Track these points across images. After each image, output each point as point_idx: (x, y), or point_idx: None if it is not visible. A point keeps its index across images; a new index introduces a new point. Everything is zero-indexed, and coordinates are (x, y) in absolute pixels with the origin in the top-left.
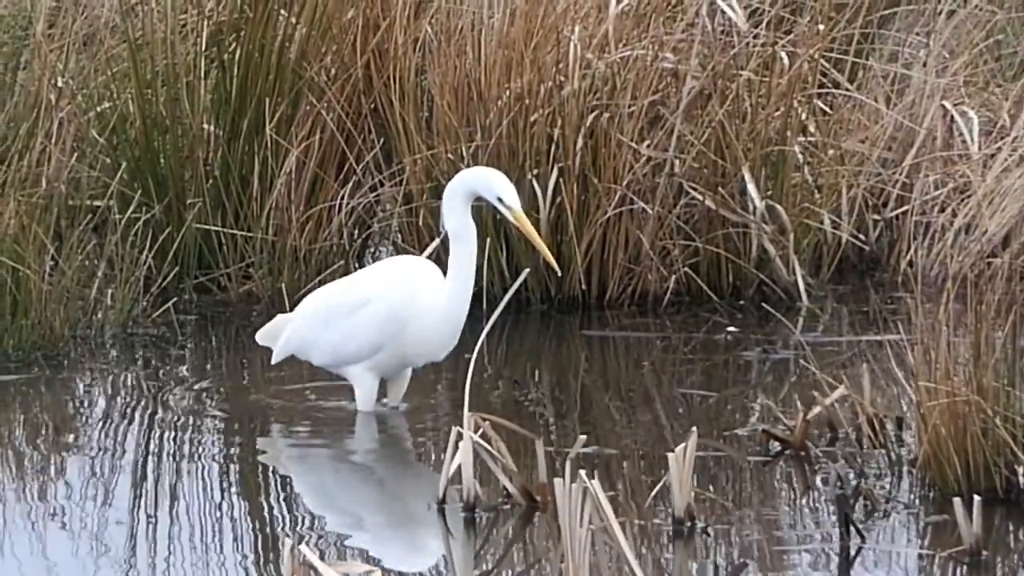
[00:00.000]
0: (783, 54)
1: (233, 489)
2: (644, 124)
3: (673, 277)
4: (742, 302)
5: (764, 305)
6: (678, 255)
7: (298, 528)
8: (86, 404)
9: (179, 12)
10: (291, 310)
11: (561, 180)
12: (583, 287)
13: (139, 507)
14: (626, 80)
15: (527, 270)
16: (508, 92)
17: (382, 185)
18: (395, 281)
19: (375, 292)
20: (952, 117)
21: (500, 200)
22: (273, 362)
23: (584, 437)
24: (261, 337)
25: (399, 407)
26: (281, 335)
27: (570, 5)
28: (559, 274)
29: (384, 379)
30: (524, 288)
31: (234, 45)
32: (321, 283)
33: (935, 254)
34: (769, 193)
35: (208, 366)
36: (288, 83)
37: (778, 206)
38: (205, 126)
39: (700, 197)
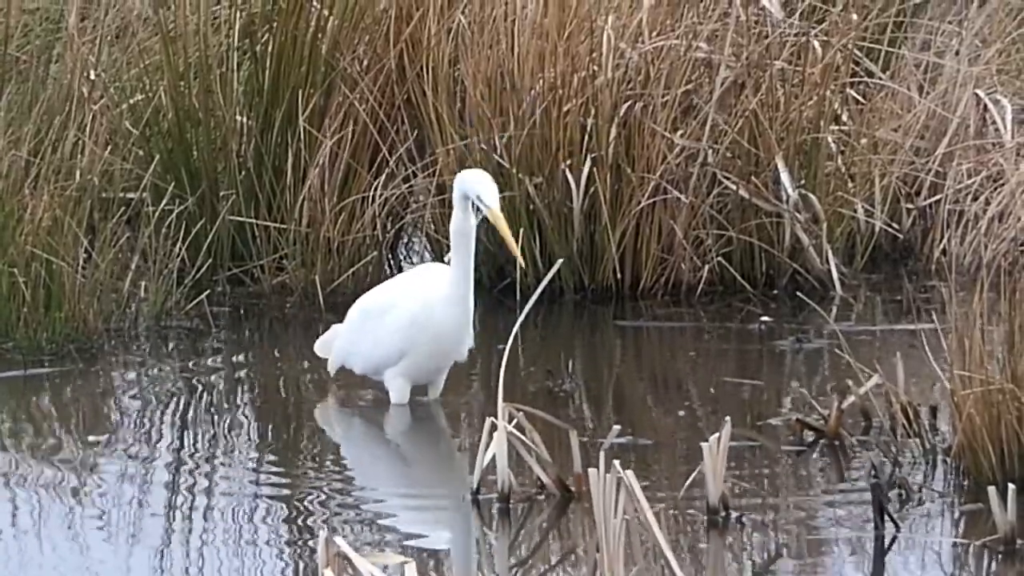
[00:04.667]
0: (816, 43)
1: (267, 480)
2: (677, 114)
3: (706, 267)
4: (775, 291)
5: (798, 294)
6: (711, 245)
7: (332, 519)
8: (120, 396)
9: (211, 4)
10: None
11: (594, 170)
12: (617, 277)
13: (173, 499)
14: (660, 70)
15: (561, 260)
16: (541, 82)
17: (415, 176)
18: (414, 288)
19: (397, 299)
20: (985, 105)
21: (479, 198)
22: (331, 374)
23: (618, 427)
24: (318, 348)
25: (436, 397)
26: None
27: None
28: (524, 267)
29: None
30: (558, 278)
31: (267, 36)
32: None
33: (968, 243)
34: (802, 182)
35: (242, 358)
36: (321, 74)
37: (811, 195)
38: (238, 118)
39: (733, 186)
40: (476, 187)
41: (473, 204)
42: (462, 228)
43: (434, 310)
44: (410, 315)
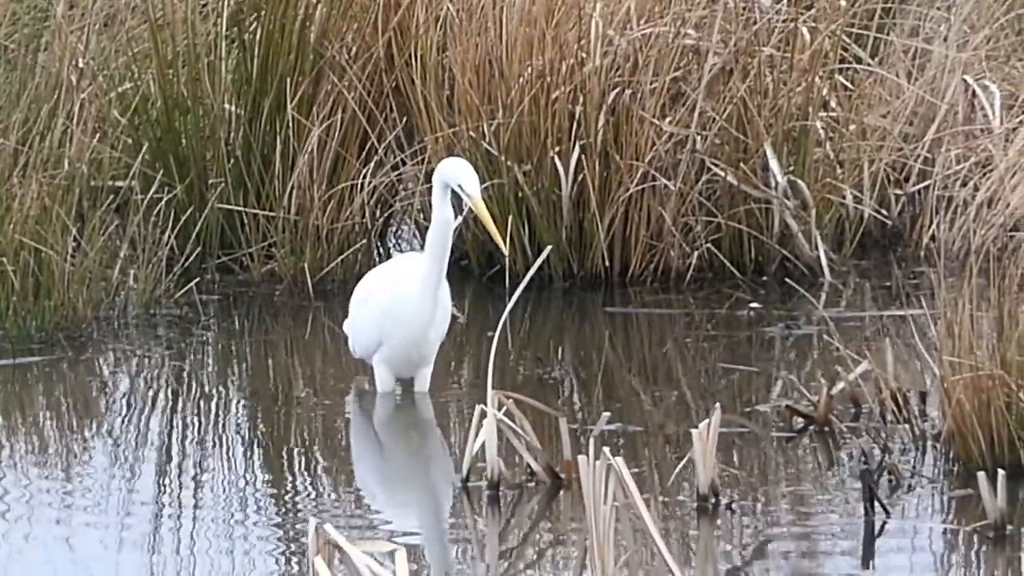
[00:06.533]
0: (804, 30)
1: (257, 468)
2: (666, 101)
3: (695, 253)
4: (765, 278)
5: (787, 281)
6: (700, 231)
7: (322, 507)
8: (109, 385)
9: None
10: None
11: (583, 157)
12: (606, 264)
13: (162, 487)
14: (648, 57)
15: (549, 247)
16: (530, 69)
17: (404, 164)
18: (388, 279)
19: (373, 289)
20: (973, 91)
21: (460, 187)
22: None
23: (608, 414)
24: (346, 327)
25: (424, 391)
26: None
27: None
28: (510, 255)
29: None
30: (546, 265)
31: (255, 24)
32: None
33: (957, 228)
34: (791, 169)
35: (231, 346)
36: (309, 62)
37: (800, 181)
38: (226, 106)
39: (722, 173)
40: (457, 175)
41: (454, 193)
42: (440, 218)
43: (404, 303)
44: (381, 307)
